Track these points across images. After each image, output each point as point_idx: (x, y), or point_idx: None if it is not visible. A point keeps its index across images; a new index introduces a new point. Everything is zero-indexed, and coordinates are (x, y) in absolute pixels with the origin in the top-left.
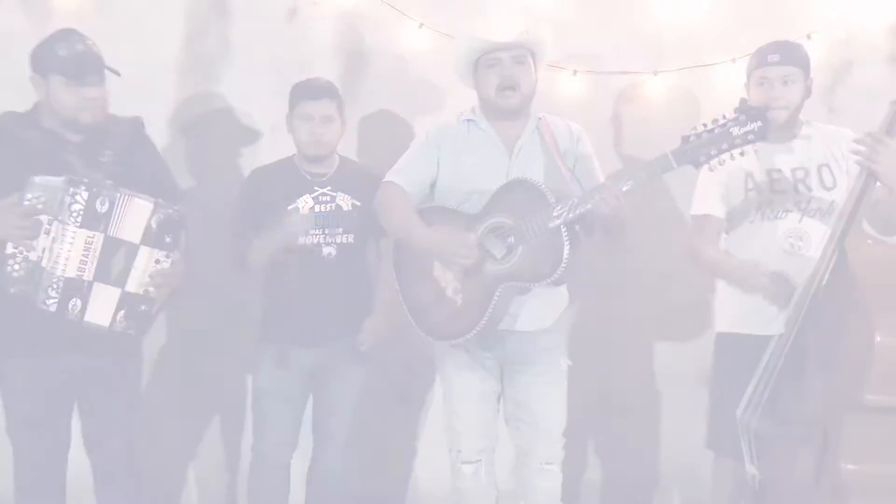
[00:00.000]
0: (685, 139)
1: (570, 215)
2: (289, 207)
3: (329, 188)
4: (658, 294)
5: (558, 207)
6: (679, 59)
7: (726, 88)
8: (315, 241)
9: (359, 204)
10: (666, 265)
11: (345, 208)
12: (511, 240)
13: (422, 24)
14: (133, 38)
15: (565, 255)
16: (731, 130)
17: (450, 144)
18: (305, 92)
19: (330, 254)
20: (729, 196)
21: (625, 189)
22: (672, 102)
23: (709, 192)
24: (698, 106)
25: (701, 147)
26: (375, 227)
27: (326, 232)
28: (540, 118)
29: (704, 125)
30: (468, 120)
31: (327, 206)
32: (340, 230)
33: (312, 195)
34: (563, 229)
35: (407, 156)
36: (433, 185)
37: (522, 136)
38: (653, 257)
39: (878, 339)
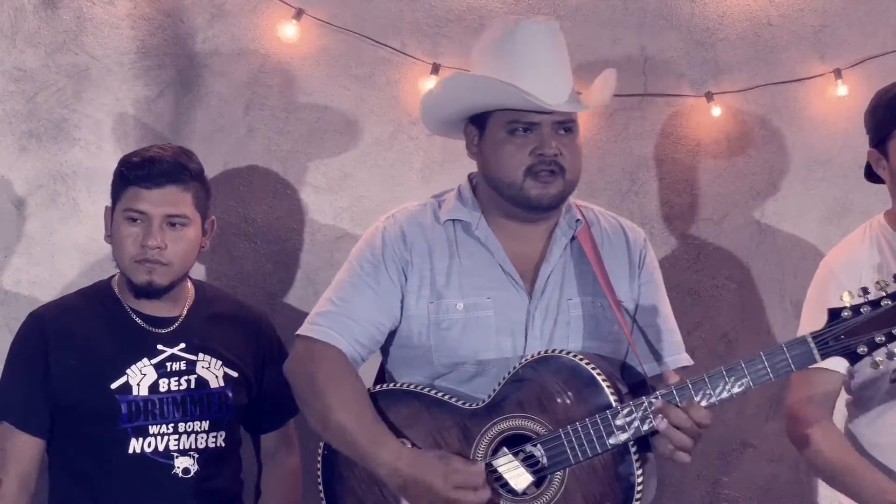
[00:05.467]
0: (835, 314)
1: (646, 426)
2: (112, 386)
3: (182, 346)
4: None
5: (625, 410)
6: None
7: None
8: (160, 446)
9: (235, 374)
10: None
11: (213, 384)
12: (542, 461)
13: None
14: None
15: (637, 492)
16: None
17: (423, 263)
18: (136, 172)
19: (187, 470)
20: None
21: (711, 401)
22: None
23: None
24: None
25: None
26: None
27: (181, 430)
28: (578, 220)
29: (865, 291)
30: (454, 220)
31: (181, 380)
32: (206, 425)
33: (153, 360)
34: (633, 448)
35: (342, 282)
36: (393, 341)
37: (550, 254)
38: None
39: None
